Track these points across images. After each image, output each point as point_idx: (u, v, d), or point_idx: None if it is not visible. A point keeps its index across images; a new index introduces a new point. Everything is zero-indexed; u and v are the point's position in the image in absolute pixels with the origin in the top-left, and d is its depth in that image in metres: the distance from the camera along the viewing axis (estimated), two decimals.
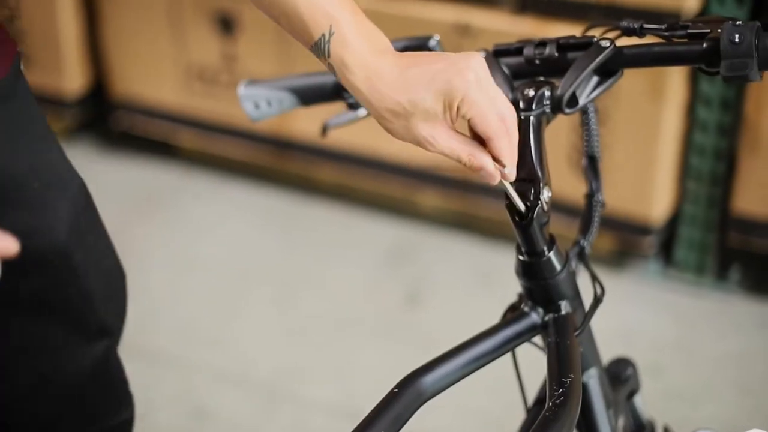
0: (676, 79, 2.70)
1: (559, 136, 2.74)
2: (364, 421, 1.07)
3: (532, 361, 1.37)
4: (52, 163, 1.26)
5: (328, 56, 1.07)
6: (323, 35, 1.06)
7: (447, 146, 1.08)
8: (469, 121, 1.07)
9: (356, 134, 3.09)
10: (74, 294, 1.29)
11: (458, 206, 3.18)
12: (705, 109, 2.75)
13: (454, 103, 1.05)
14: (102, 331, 1.35)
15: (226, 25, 3.22)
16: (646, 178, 2.83)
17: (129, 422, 1.46)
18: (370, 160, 3.19)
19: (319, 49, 1.07)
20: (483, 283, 2.92)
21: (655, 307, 2.89)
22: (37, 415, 1.34)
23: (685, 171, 2.86)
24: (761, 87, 2.65)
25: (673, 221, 2.94)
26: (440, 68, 1.06)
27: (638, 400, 1.58)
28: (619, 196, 2.84)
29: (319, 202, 3.36)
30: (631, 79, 2.68)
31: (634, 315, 2.86)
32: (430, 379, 1.14)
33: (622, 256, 3.01)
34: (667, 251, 2.99)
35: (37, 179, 1.23)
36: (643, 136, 2.78)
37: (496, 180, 1.09)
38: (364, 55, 1.07)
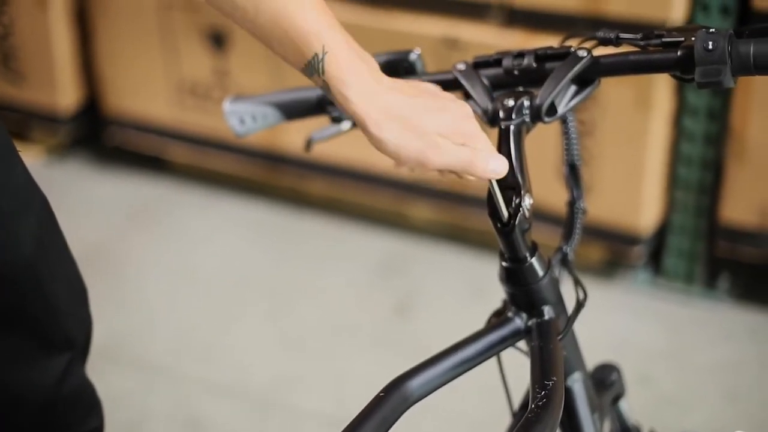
0: (662, 89, 2.72)
1: (547, 148, 2.76)
2: (351, 423, 1.08)
3: (519, 366, 1.39)
4: (16, 180, 1.26)
5: (323, 73, 1.09)
6: (316, 54, 1.09)
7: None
8: None
9: (346, 147, 3.11)
10: (40, 308, 1.32)
11: (449, 218, 3.20)
12: (692, 120, 2.78)
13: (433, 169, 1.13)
14: (67, 343, 1.37)
15: (218, 40, 3.24)
16: (634, 188, 2.85)
17: (98, 430, 1.48)
18: (361, 173, 3.21)
19: (312, 67, 1.09)
20: (474, 295, 2.94)
21: (645, 315, 2.91)
22: (3, 428, 1.36)
23: (672, 181, 2.88)
24: (747, 97, 2.68)
25: (662, 231, 2.96)
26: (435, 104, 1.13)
27: (624, 404, 1.60)
28: (607, 206, 2.87)
29: (310, 215, 3.38)
30: (618, 90, 2.71)
31: (623, 324, 2.88)
32: (416, 382, 1.16)
33: (612, 266, 3.03)
34: (656, 260, 3.02)
35: (1, 196, 1.24)
36: (631, 146, 2.80)
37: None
38: (361, 71, 1.10)
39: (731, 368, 2.72)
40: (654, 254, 3.01)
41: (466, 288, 2.98)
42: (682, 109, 2.79)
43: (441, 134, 1.11)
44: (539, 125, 1.25)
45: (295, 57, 1.10)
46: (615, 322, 2.87)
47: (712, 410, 2.59)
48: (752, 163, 2.73)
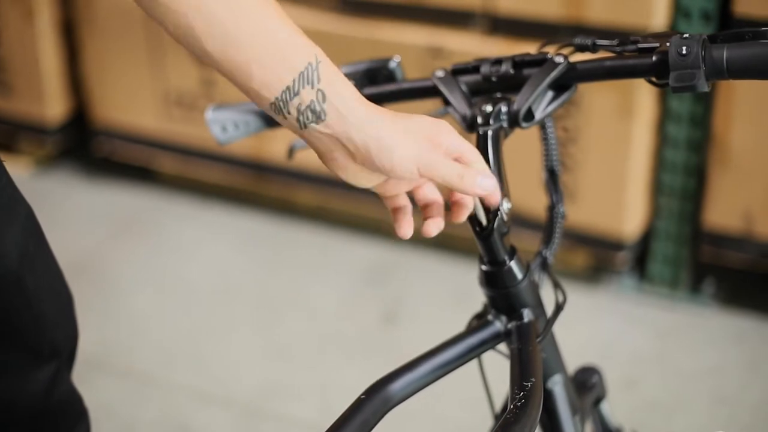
0: (645, 96, 2.74)
1: (531, 155, 2.77)
2: (332, 426, 1.09)
3: (503, 370, 1.40)
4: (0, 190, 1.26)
5: (318, 82, 1.03)
6: (310, 63, 1.03)
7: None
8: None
9: None
10: (27, 319, 1.31)
11: None
12: (675, 126, 2.80)
13: (428, 176, 1.10)
14: (53, 352, 1.37)
15: None
16: (618, 194, 2.87)
17: None
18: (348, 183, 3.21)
19: (305, 79, 1.03)
20: (460, 302, 2.95)
21: (630, 321, 2.92)
22: None
23: (656, 187, 2.90)
24: (729, 103, 2.69)
25: (647, 236, 2.98)
26: (420, 143, 1.08)
27: (605, 406, 1.62)
28: (591, 212, 2.88)
29: (297, 224, 3.39)
30: (602, 97, 2.73)
31: (609, 329, 2.89)
32: (396, 385, 1.17)
33: (597, 271, 3.05)
34: (641, 266, 3.03)
35: None
36: (614, 153, 2.82)
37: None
38: (348, 83, 1.06)
39: (717, 373, 2.73)
40: (639, 260, 3.03)
41: (453, 296, 3.00)
42: (665, 116, 2.81)
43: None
44: (520, 132, 1.26)
45: (281, 73, 1.03)
46: (601, 327, 2.88)
47: (697, 415, 2.60)
48: (735, 169, 2.75)
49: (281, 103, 1.05)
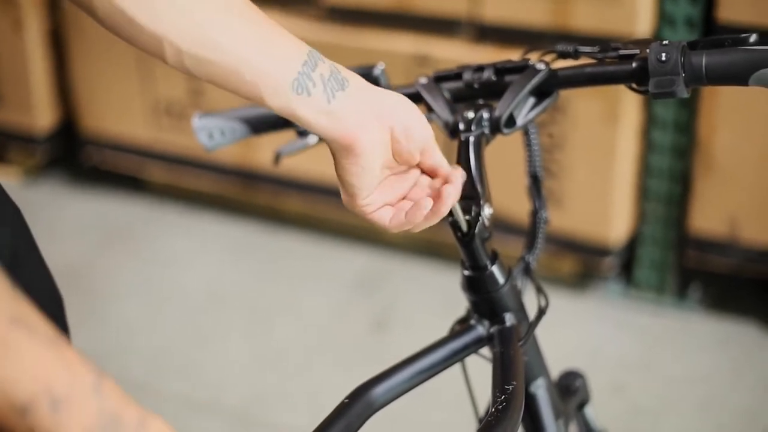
0: (631, 103, 2.76)
1: (518, 165, 2.79)
2: (315, 430, 1.11)
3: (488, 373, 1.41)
4: None
5: (324, 61, 1.05)
6: (311, 50, 1.05)
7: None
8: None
9: (322, 164, 3.13)
10: None
11: (425, 234, 3.20)
12: (660, 132, 2.81)
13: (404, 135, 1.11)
14: None
15: None
16: (604, 200, 2.88)
17: None
18: (337, 190, 3.21)
19: (314, 58, 1.04)
20: (450, 309, 2.92)
21: (617, 326, 2.94)
22: None
23: (642, 192, 2.92)
24: (713, 109, 2.71)
25: (633, 242, 3.00)
26: (391, 102, 1.10)
27: (589, 410, 1.63)
28: (578, 218, 2.90)
29: (287, 232, 3.40)
30: (587, 103, 2.74)
31: (596, 335, 2.90)
32: (380, 389, 1.18)
33: (584, 277, 3.06)
34: (627, 271, 3.05)
35: None
36: (600, 159, 2.83)
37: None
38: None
39: (703, 378, 2.74)
40: (625, 265, 3.04)
41: (443, 303, 3.00)
42: (650, 122, 2.82)
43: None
44: (503, 138, 1.27)
45: (285, 65, 1.04)
46: (588, 333, 2.90)
47: (684, 420, 2.61)
48: (719, 174, 2.77)
49: (297, 89, 1.05)
